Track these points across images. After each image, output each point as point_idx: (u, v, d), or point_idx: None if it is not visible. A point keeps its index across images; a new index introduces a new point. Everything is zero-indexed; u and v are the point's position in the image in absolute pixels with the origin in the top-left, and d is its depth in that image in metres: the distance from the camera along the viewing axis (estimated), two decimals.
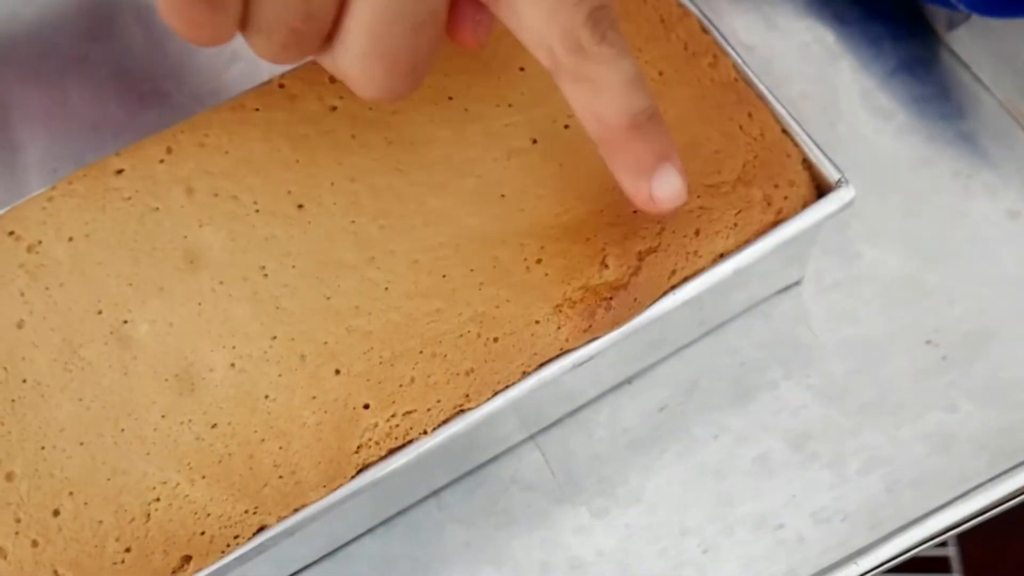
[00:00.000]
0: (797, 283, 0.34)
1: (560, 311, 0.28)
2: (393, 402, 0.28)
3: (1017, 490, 0.29)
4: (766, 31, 0.39)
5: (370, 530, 0.32)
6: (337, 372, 0.28)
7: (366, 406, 0.28)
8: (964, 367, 0.32)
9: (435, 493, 0.32)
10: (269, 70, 0.32)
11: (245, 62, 0.39)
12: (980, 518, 0.29)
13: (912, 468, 0.31)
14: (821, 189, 0.31)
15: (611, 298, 0.28)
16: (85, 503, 0.27)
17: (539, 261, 0.29)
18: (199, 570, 0.27)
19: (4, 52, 0.41)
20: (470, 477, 0.32)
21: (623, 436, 0.32)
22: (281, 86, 0.32)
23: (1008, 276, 0.34)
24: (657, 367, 0.33)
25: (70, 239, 0.30)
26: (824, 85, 0.38)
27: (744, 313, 0.34)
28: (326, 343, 0.28)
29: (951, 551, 0.60)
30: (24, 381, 0.28)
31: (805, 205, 0.30)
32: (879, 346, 0.33)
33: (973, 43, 0.38)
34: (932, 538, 0.28)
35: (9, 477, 0.27)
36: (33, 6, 0.40)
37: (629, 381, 0.33)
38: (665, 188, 0.27)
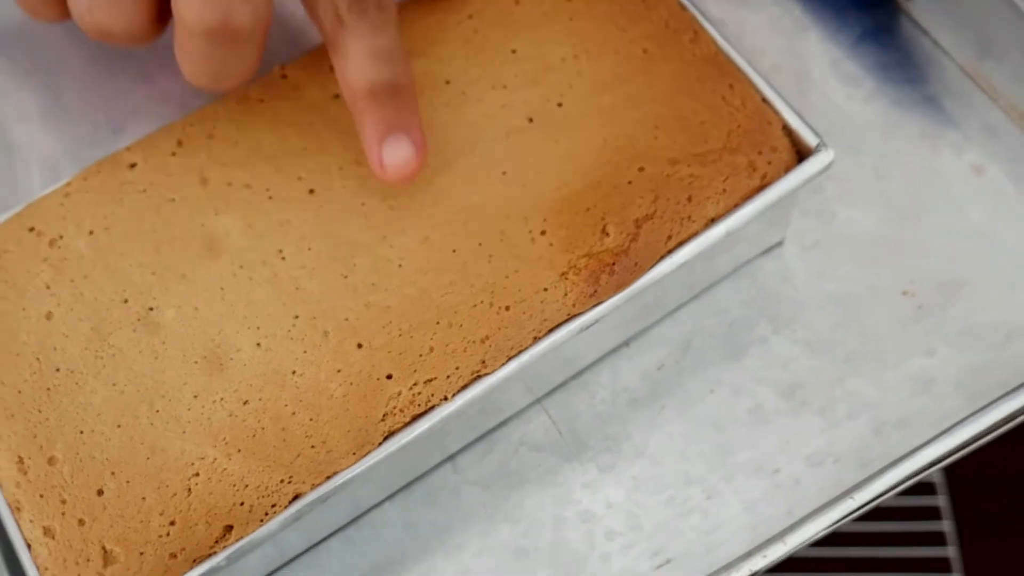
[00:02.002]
0: (779, 244, 0.36)
1: (566, 278, 0.30)
2: (415, 371, 0.29)
3: (994, 424, 0.32)
4: (737, 6, 0.41)
5: (390, 496, 0.33)
6: (359, 346, 0.29)
7: (389, 376, 0.29)
8: (939, 314, 0.35)
9: (450, 458, 0.34)
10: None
11: None
12: (962, 451, 0.31)
13: (896, 410, 0.33)
14: (801, 153, 0.33)
15: (614, 264, 0.30)
16: (127, 481, 0.28)
17: (543, 233, 0.31)
18: (240, 538, 0.28)
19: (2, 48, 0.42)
20: (482, 441, 0.34)
21: (624, 395, 0.34)
22: (284, 76, 0.33)
23: (975, 227, 0.36)
24: (652, 329, 0.35)
25: (91, 232, 0.31)
26: (794, 56, 0.40)
27: (731, 275, 0.36)
28: (347, 319, 0.30)
29: (951, 551, 0.62)
30: (57, 370, 0.30)
31: (787, 169, 0.32)
32: (859, 299, 0.35)
33: (931, 10, 0.40)
34: (920, 471, 0.31)
35: (51, 461, 0.29)
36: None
37: (627, 344, 0.35)
38: (392, 156, 0.30)
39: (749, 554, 0.30)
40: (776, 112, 0.33)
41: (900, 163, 0.38)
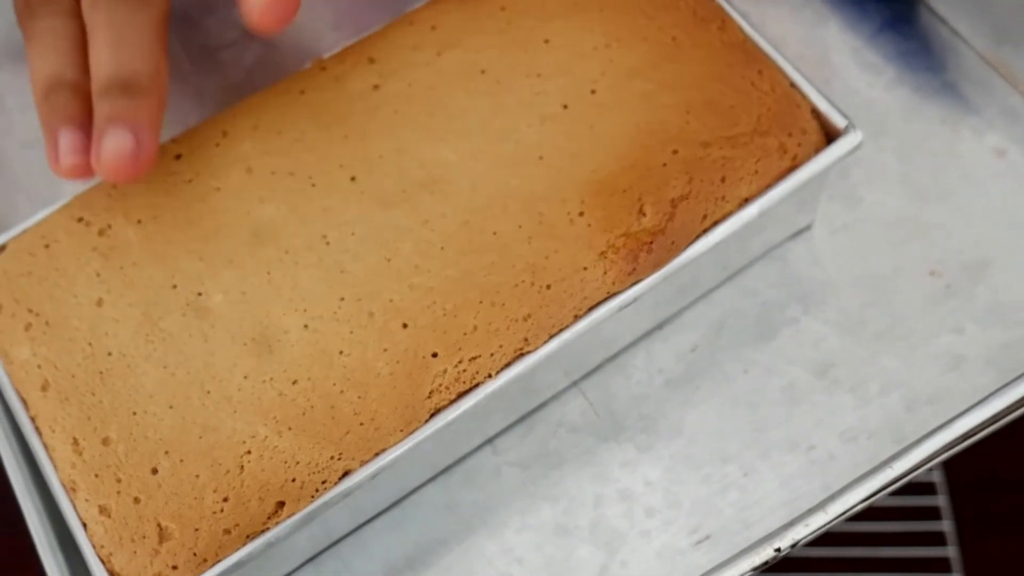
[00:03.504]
0: (808, 228, 0.37)
1: (605, 257, 0.31)
2: (459, 349, 0.30)
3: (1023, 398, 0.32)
4: None
5: (432, 478, 0.34)
6: (405, 326, 0.30)
7: (434, 355, 0.30)
8: (966, 293, 0.35)
9: (490, 440, 0.34)
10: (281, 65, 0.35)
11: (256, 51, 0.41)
12: (994, 425, 0.32)
13: (927, 386, 0.34)
14: (829, 135, 0.33)
15: (651, 242, 0.31)
16: (181, 460, 0.29)
17: (581, 214, 0.31)
18: (292, 514, 0.29)
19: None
20: (521, 424, 0.35)
21: (659, 376, 0.35)
22: (323, 69, 0.34)
23: (998, 208, 0.37)
24: (685, 312, 0.36)
25: (139, 221, 0.32)
26: (816, 45, 0.40)
27: (762, 258, 0.36)
28: (391, 300, 0.30)
29: (951, 551, 0.62)
30: (109, 354, 0.30)
31: (817, 151, 0.33)
32: (888, 280, 0.36)
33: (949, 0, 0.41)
34: (954, 443, 0.31)
35: (106, 442, 0.29)
36: None
37: (660, 327, 0.36)
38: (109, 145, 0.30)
39: (791, 523, 0.31)
40: (804, 96, 0.33)
41: (923, 148, 0.38)
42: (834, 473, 0.33)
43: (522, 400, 0.34)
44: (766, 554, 0.30)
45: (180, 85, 0.41)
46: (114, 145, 0.30)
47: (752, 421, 0.34)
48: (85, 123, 0.31)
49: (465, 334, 0.30)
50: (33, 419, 0.30)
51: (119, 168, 0.30)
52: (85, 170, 0.31)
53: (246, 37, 0.42)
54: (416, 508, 0.34)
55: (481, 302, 0.30)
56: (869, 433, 0.34)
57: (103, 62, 0.30)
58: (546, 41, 0.34)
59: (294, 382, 0.30)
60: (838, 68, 0.40)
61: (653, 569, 0.32)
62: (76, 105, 0.31)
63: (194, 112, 0.40)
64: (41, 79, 0.31)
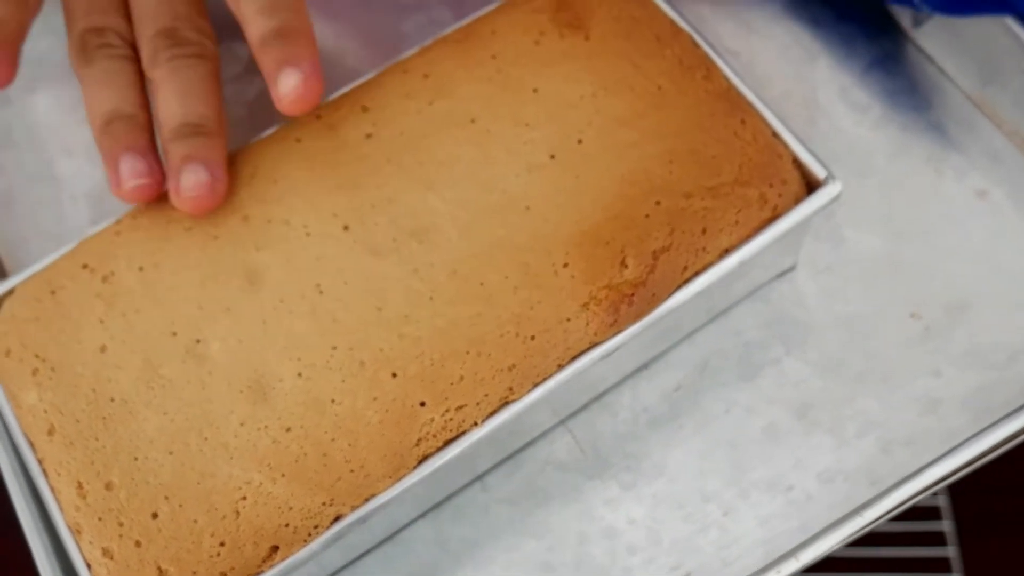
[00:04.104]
0: (792, 268, 0.38)
1: (588, 308, 0.32)
2: (446, 398, 0.31)
3: (999, 442, 0.33)
4: (747, 36, 0.42)
5: (422, 514, 0.35)
6: (394, 375, 0.31)
7: (422, 403, 0.31)
8: (945, 335, 0.36)
9: (479, 477, 0.36)
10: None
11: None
12: (968, 469, 0.33)
13: (904, 429, 0.35)
14: (810, 185, 0.34)
15: (633, 295, 0.32)
16: (180, 505, 0.30)
17: (565, 265, 0.32)
18: (285, 558, 0.30)
19: (40, 84, 0.44)
20: (509, 461, 0.36)
21: (644, 415, 0.36)
22: (318, 117, 0.35)
23: (978, 250, 0.38)
24: (670, 352, 0.37)
25: (140, 268, 0.33)
26: (804, 83, 0.41)
27: (746, 298, 0.37)
28: (381, 349, 0.32)
29: (951, 551, 0.62)
30: (112, 400, 0.32)
31: (797, 200, 0.34)
32: (868, 321, 0.37)
33: (937, 39, 0.41)
34: (926, 489, 0.32)
35: (108, 487, 0.31)
36: None
37: (646, 366, 0.37)
38: (283, 85, 0.33)
39: (765, 569, 0.32)
40: (786, 146, 0.34)
41: (906, 187, 0.39)
42: (811, 513, 0.34)
43: (509, 441, 0.35)
44: None
45: None
46: (193, 181, 0.33)
47: (733, 460, 0.35)
48: (144, 150, 0.34)
49: (452, 384, 0.31)
50: (40, 462, 0.31)
51: (199, 201, 0.33)
52: (146, 192, 0.33)
53: (248, 72, 0.43)
54: (407, 544, 0.35)
55: (468, 352, 0.31)
56: (845, 475, 0.35)
57: (173, 110, 0.34)
58: (535, 90, 0.35)
59: (288, 429, 0.31)
60: (824, 106, 0.41)
61: None
62: (136, 134, 0.34)
63: None
64: (100, 113, 0.34)
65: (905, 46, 0.42)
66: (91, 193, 0.41)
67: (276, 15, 0.34)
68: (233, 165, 0.35)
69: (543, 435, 0.36)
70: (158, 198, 0.34)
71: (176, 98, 0.34)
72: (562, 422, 0.36)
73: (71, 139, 0.42)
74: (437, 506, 0.35)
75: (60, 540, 0.32)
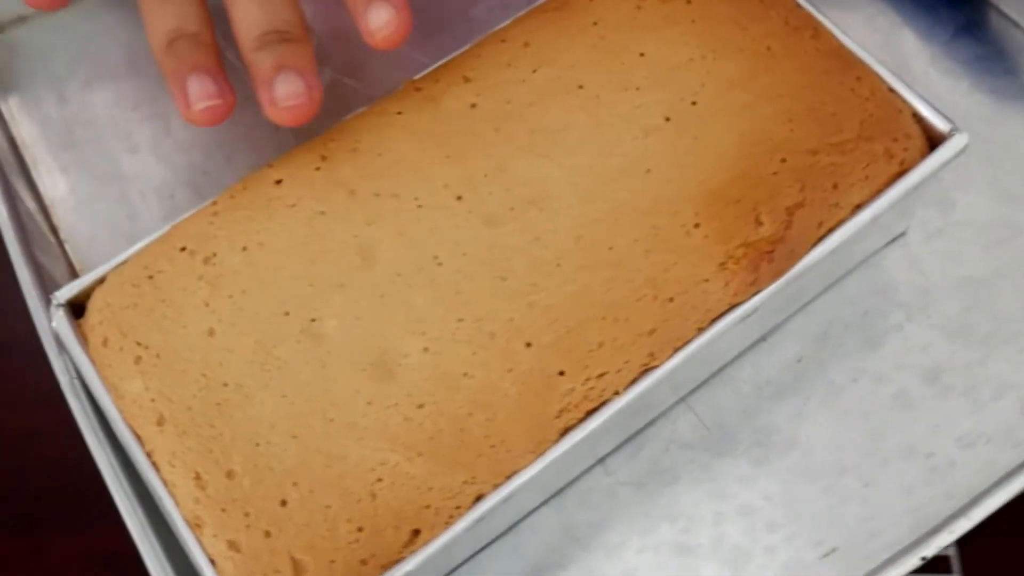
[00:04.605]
0: (903, 234, 0.37)
1: (726, 268, 0.30)
2: (586, 366, 0.29)
3: None
4: (832, 7, 0.41)
5: (545, 502, 0.33)
6: (528, 345, 0.29)
7: (561, 373, 0.29)
8: None
9: (600, 460, 0.34)
10: (352, 88, 0.34)
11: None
12: None
13: None
14: (932, 140, 0.33)
15: (772, 251, 0.30)
16: (310, 491, 0.28)
17: (696, 225, 0.31)
18: (427, 542, 0.28)
19: (97, 81, 0.42)
20: (630, 442, 0.34)
21: (767, 388, 0.34)
22: (418, 89, 0.34)
23: None
24: (786, 324, 0.35)
25: (244, 248, 0.31)
26: (893, 53, 0.40)
27: (859, 266, 0.36)
28: (511, 320, 0.30)
29: (951, 551, 0.62)
30: (225, 384, 0.30)
31: (922, 155, 0.33)
32: (987, 283, 0.36)
33: (1019, 3, 0.41)
34: None
35: (230, 475, 0.28)
36: None
37: (764, 339, 0.35)
38: (374, 20, 0.31)
39: (935, 530, 0.30)
40: (904, 100, 0.33)
41: (1009, 150, 0.38)
42: (953, 480, 0.33)
43: (632, 419, 0.33)
44: (911, 563, 0.29)
45: (252, 109, 0.40)
46: (289, 90, 0.30)
47: (866, 430, 0.34)
48: (213, 70, 0.31)
49: (590, 351, 0.29)
50: (149, 454, 0.29)
51: (297, 110, 0.31)
52: (218, 113, 0.31)
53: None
54: (533, 532, 0.33)
55: (604, 318, 0.30)
56: (987, 438, 0.33)
57: (255, 18, 0.31)
58: (641, 54, 0.34)
59: (420, 406, 0.29)
60: (918, 75, 0.40)
61: None
62: (202, 52, 0.32)
63: (270, 138, 0.40)
64: (161, 33, 0.32)
65: (987, 11, 0.41)
66: (161, 189, 0.39)
67: (276, 13, 0.32)
68: (333, 141, 0.33)
69: (663, 414, 0.34)
70: (228, 119, 0.32)
71: (256, 5, 0.31)
72: (682, 399, 0.34)
73: (135, 135, 0.40)
74: (560, 492, 0.33)
75: (168, 537, 0.29)
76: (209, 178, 0.39)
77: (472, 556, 0.32)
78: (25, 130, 0.41)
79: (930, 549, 0.30)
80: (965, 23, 0.41)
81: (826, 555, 0.32)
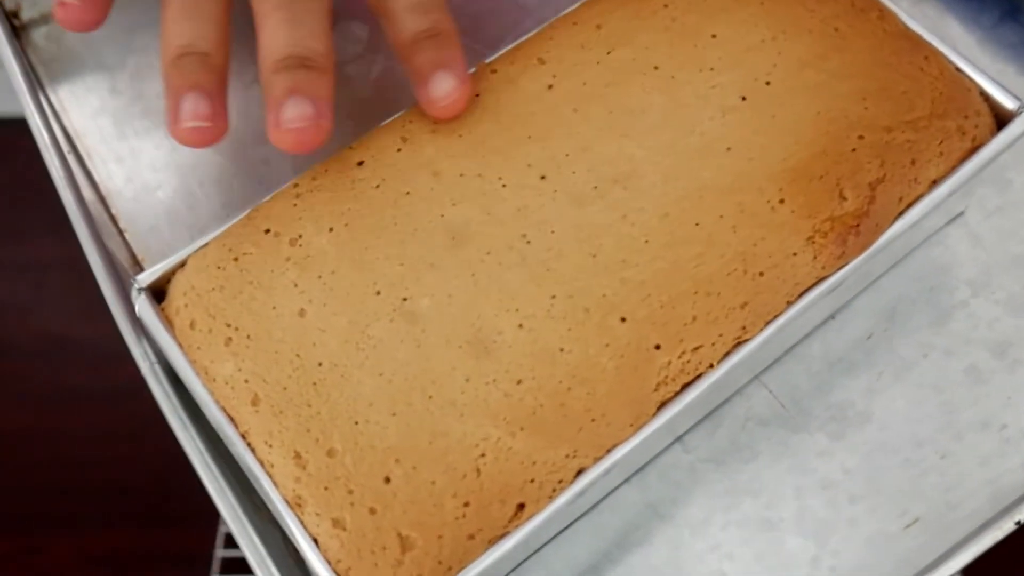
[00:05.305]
0: (961, 213, 0.37)
1: (813, 242, 0.31)
2: (681, 340, 0.30)
3: None
4: None
5: (626, 480, 0.33)
6: (623, 320, 0.30)
7: (657, 347, 0.29)
8: None
9: (679, 439, 0.34)
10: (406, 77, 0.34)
11: None
12: None
13: None
14: (999, 117, 0.34)
15: (858, 225, 0.31)
16: (414, 467, 0.28)
17: (782, 201, 0.31)
18: (532, 515, 0.28)
19: (148, 72, 0.42)
20: (707, 421, 0.34)
21: (839, 365, 0.35)
22: (493, 71, 0.34)
23: None
24: (854, 302, 0.36)
25: (330, 229, 0.31)
26: (941, 39, 0.41)
27: (922, 245, 0.37)
28: (604, 295, 0.30)
29: None
30: (320, 364, 0.29)
31: (991, 132, 0.33)
32: None
33: None
34: None
35: (331, 454, 0.28)
36: None
37: (832, 316, 0.36)
38: (436, 89, 0.32)
39: (1002, 513, 0.31)
40: (972, 79, 0.34)
41: None
42: None
43: (710, 396, 0.33)
44: (1007, 527, 0.30)
45: None
46: (296, 113, 0.30)
47: (940, 404, 0.34)
48: (212, 92, 0.31)
49: (685, 325, 0.30)
50: (244, 435, 0.29)
51: (301, 134, 0.30)
52: (204, 136, 0.31)
53: (370, 50, 0.41)
54: (615, 511, 0.33)
55: (696, 292, 0.30)
56: None
57: (280, 41, 0.31)
58: (713, 36, 0.34)
59: (519, 382, 0.29)
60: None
61: (865, 556, 0.32)
62: (205, 74, 0.31)
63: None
64: (173, 45, 0.31)
65: None
66: (220, 179, 0.39)
67: (428, 15, 0.32)
68: (410, 122, 0.33)
69: (737, 392, 0.35)
70: (215, 143, 0.31)
71: (284, 28, 0.31)
72: (756, 377, 0.35)
73: None
74: (639, 471, 0.33)
75: (264, 518, 0.29)
76: (269, 167, 0.39)
77: (558, 534, 0.32)
78: (77, 121, 0.41)
79: (1022, 514, 0.30)
80: (1009, 9, 0.42)
81: (908, 526, 0.32)
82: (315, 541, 0.28)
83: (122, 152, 0.40)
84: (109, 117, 0.41)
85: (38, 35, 0.43)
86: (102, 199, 0.39)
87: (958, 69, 0.34)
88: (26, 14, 0.43)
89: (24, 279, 0.44)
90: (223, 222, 0.32)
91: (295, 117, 0.30)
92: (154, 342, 0.31)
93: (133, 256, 0.38)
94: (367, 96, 0.41)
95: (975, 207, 0.37)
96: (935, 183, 0.32)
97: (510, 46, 0.35)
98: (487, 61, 0.34)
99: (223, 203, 0.39)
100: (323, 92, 0.31)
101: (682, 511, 0.33)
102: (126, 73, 0.42)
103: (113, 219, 0.38)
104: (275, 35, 0.31)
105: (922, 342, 0.35)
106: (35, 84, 0.38)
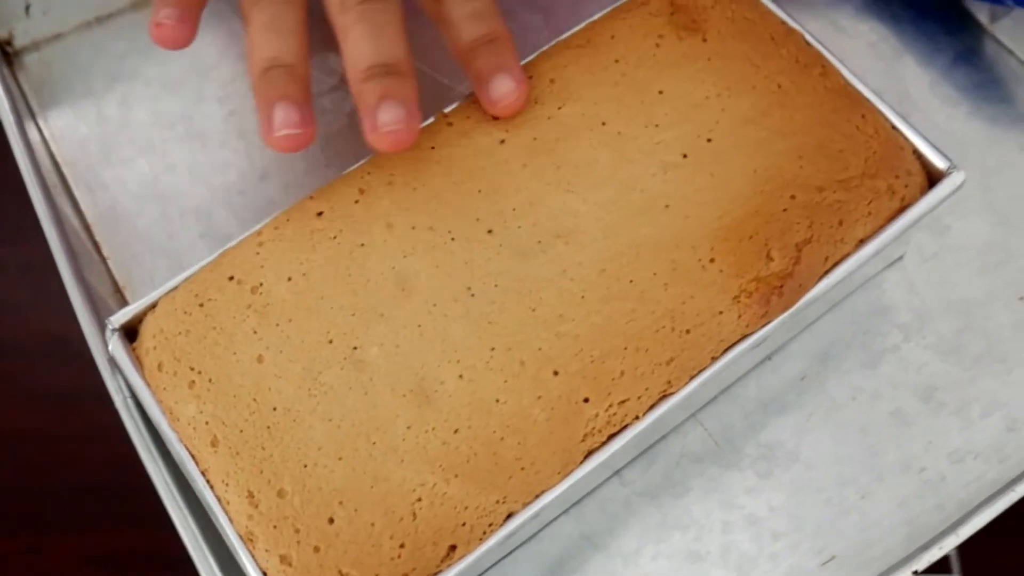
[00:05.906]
0: (900, 258, 0.39)
1: (739, 301, 0.33)
2: (609, 393, 0.32)
3: None
4: (836, 34, 0.43)
5: (565, 511, 0.36)
6: (556, 373, 0.32)
7: (586, 400, 0.32)
8: None
9: (617, 472, 0.36)
10: None
11: None
12: None
13: None
14: (931, 175, 0.35)
15: (782, 286, 0.33)
16: (356, 509, 0.31)
17: (712, 260, 0.33)
18: (462, 556, 0.30)
19: (135, 100, 0.44)
20: (644, 455, 0.36)
21: (772, 405, 0.37)
22: (450, 124, 0.36)
23: None
24: (791, 343, 0.38)
25: (289, 279, 0.33)
26: (894, 80, 0.42)
27: (859, 288, 0.39)
28: (540, 349, 0.32)
29: (951, 551, 0.63)
30: (275, 409, 0.32)
31: (921, 190, 0.35)
32: (980, 305, 0.38)
33: (1014, 33, 0.43)
34: None
35: (281, 494, 0.31)
36: None
37: (769, 357, 0.38)
38: (496, 90, 0.35)
39: (926, 546, 0.33)
40: (906, 138, 0.35)
41: (1003, 176, 0.40)
42: (945, 493, 0.35)
43: (640, 441, 0.36)
44: None
45: None
46: (391, 117, 0.33)
47: (864, 445, 0.36)
48: (300, 101, 0.33)
49: (613, 379, 0.32)
50: (204, 473, 0.32)
51: (397, 135, 0.33)
52: (295, 142, 0.33)
53: (345, 83, 0.43)
54: (553, 540, 0.35)
55: (626, 348, 0.32)
56: (975, 454, 0.36)
57: (365, 53, 0.34)
58: (660, 92, 0.36)
59: (456, 431, 0.31)
60: (918, 102, 0.42)
61: None
62: (293, 84, 0.34)
63: (301, 158, 0.42)
64: (260, 60, 0.34)
65: (984, 41, 0.43)
66: (199, 209, 0.41)
67: (485, 22, 0.35)
68: (368, 174, 0.35)
69: (675, 429, 0.37)
70: (305, 148, 0.34)
71: (368, 40, 0.34)
72: (692, 415, 0.37)
73: (172, 155, 0.42)
74: (579, 502, 0.36)
75: (219, 549, 0.32)
76: (245, 198, 0.41)
77: (496, 562, 0.35)
78: (65, 147, 0.43)
79: (921, 564, 0.32)
80: (963, 51, 0.43)
81: (826, 563, 0.35)
82: (264, 574, 0.30)
83: (107, 179, 0.42)
84: (96, 144, 0.43)
85: (30, 60, 0.45)
86: (87, 227, 0.41)
87: (894, 127, 0.36)
88: (18, 42, 0.45)
89: (24, 279, 0.46)
90: (200, 253, 0.34)
91: (390, 120, 0.33)
92: (127, 379, 0.34)
93: (115, 283, 0.40)
94: (341, 127, 0.43)
95: (912, 252, 0.39)
96: (862, 242, 0.34)
97: (468, 97, 0.36)
98: (445, 112, 0.36)
99: (200, 233, 0.41)
100: (411, 94, 0.33)
101: (616, 542, 0.35)
102: (114, 100, 0.44)
103: (96, 246, 0.41)
104: (359, 46, 0.34)
105: (852, 384, 0.37)
106: (21, 117, 0.40)
